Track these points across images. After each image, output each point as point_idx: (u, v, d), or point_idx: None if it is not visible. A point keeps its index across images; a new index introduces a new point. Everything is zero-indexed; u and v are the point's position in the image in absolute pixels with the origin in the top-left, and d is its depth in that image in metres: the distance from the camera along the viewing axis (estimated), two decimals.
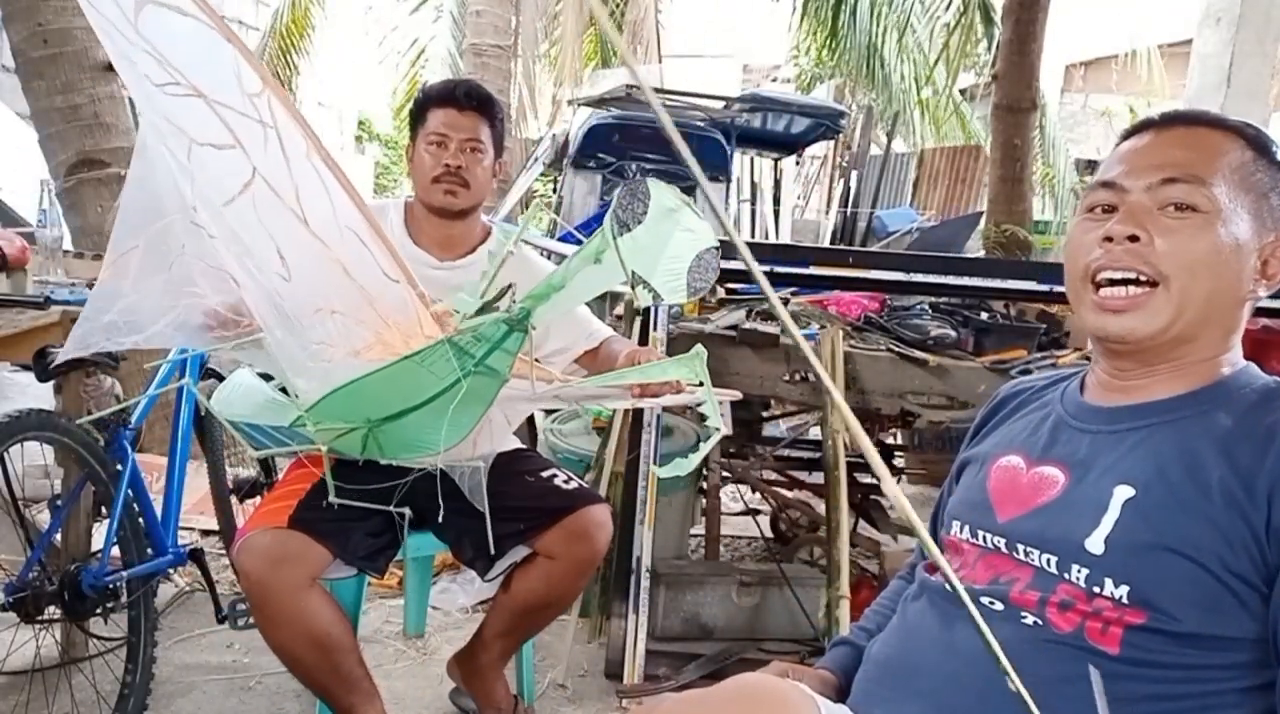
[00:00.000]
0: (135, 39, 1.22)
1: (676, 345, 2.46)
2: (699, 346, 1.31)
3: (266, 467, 2.64)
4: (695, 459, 1.21)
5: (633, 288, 1.20)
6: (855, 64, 8.84)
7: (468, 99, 1.95)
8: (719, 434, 1.24)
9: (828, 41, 8.92)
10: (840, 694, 1.10)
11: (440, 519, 1.70)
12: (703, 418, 1.33)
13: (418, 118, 2.00)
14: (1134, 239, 0.93)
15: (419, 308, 1.38)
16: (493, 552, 1.80)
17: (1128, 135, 1.02)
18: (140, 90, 1.28)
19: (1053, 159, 9.72)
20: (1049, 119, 9.81)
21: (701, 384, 1.27)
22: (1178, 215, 0.93)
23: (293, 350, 1.42)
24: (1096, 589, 0.90)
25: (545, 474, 1.95)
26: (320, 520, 1.70)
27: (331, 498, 1.60)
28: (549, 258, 4.01)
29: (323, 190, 1.30)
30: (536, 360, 1.98)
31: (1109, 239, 0.94)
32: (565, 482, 1.93)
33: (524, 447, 2.15)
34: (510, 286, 1.31)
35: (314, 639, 1.71)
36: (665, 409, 2.31)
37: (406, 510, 1.70)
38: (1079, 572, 0.91)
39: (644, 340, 2.40)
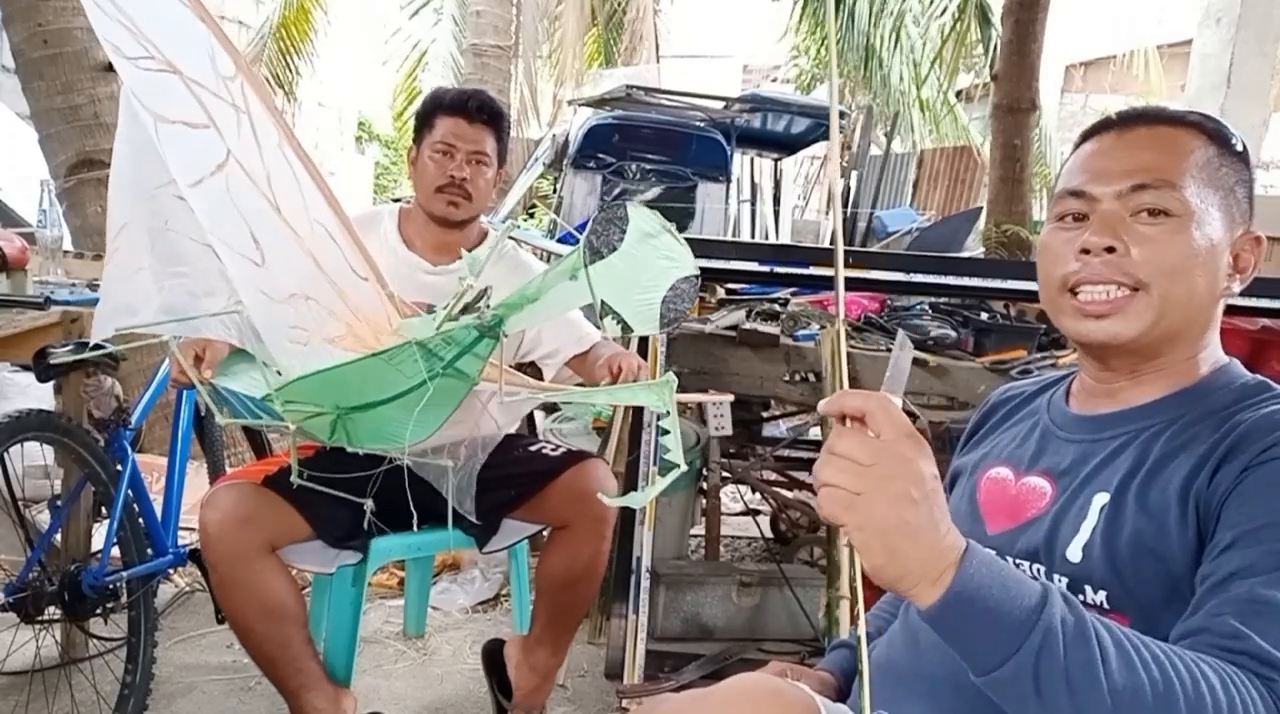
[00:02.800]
0: (110, 8, 1.21)
1: (676, 346, 2.46)
2: (670, 375, 1.27)
3: (261, 455, 2.63)
4: (652, 492, 1.18)
5: (601, 318, 1.18)
6: (854, 65, 8.83)
7: (479, 111, 1.95)
8: (677, 471, 1.19)
9: (825, 42, 8.91)
10: (839, 696, 1.10)
11: (417, 514, 1.71)
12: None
13: (425, 122, 1.99)
14: (1110, 250, 0.93)
15: (388, 306, 1.37)
16: (460, 516, 1.80)
17: (1087, 137, 1.01)
18: (115, 62, 1.27)
19: (1050, 159, 9.71)
20: (1045, 121, 9.80)
21: (668, 414, 1.22)
22: (1151, 221, 0.92)
23: (271, 328, 1.42)
24: (1080, 597, 0.90)
25: (533, 447, 1.97)
26: (300, 489, 1.68)
27: (294, 477, 1.60)
28: (546, 259, 4.00)
29: (293, 181, 1.29)
30: (530, 364, 1.99)
31: (1086, 251, 0.94)
32: (554, 450, 1.94)
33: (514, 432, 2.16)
34: (486, 290, 1.30)
35: (265, 606, 1.71)
36: None
37: (369, 502, 1.70)
38: (1060, 581, 0.92)
39: (644, 340, 2.40)
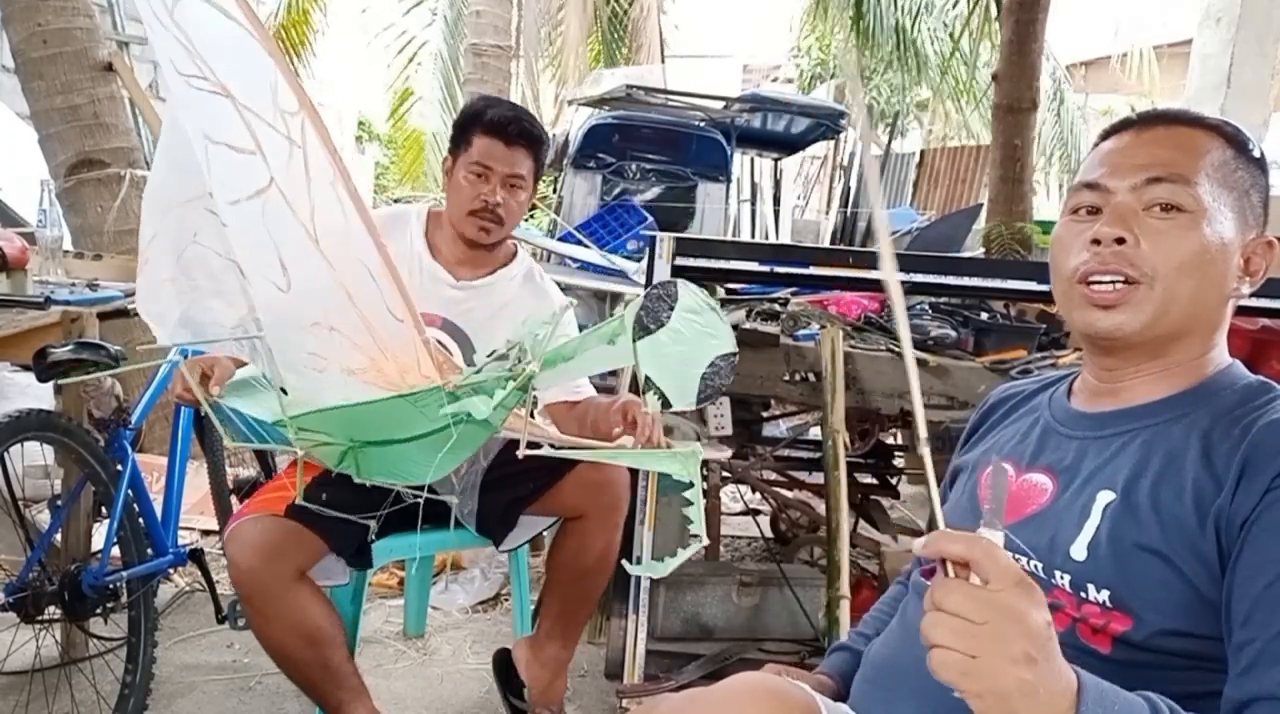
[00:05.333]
0: (169, 23, 1.21)
1: None
2: (696, 445, 1.28)
3: (266, 465, 2.64)
4: (673, 564, 1.19)
5: (642, 393, 1.20)
6: (886, 49, 8.72)
7: (519, 136, 1.92)
8: (698, 543, 1.20)
9: (855, 25, 8.80)
10: (837, 700, 1.10)
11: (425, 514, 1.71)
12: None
13: (463, 134, 1.94)
14: (1120, 241, 0.94)
15: (420, 349, 1.37)
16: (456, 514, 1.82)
17: (1107, 135, 1.03)
18: (166, 74, 1.27)
19: (1070, 153, 9.67)
20: (1067, 115, 9.77)
21: (692, 485, 1.23)
22: (1163, 216, 0.93)
23: (288, 350, 1.42)
24: (1082, 594, 0.91)
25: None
26: (316, 512, 1.68)
27: (299, 500, 1.60)
28: (546, 259, 4.00)
29: (341, 219, 1.27)
30: (530, 414, 1.99)
31: (1096, 242, 0.95)
32: None
33: None
34: (517, 346, 1.31)
35: (303, 633, 1.70)
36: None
37: (373, 523, 1.70)
38: (1062, 577, 0.92)
39: None
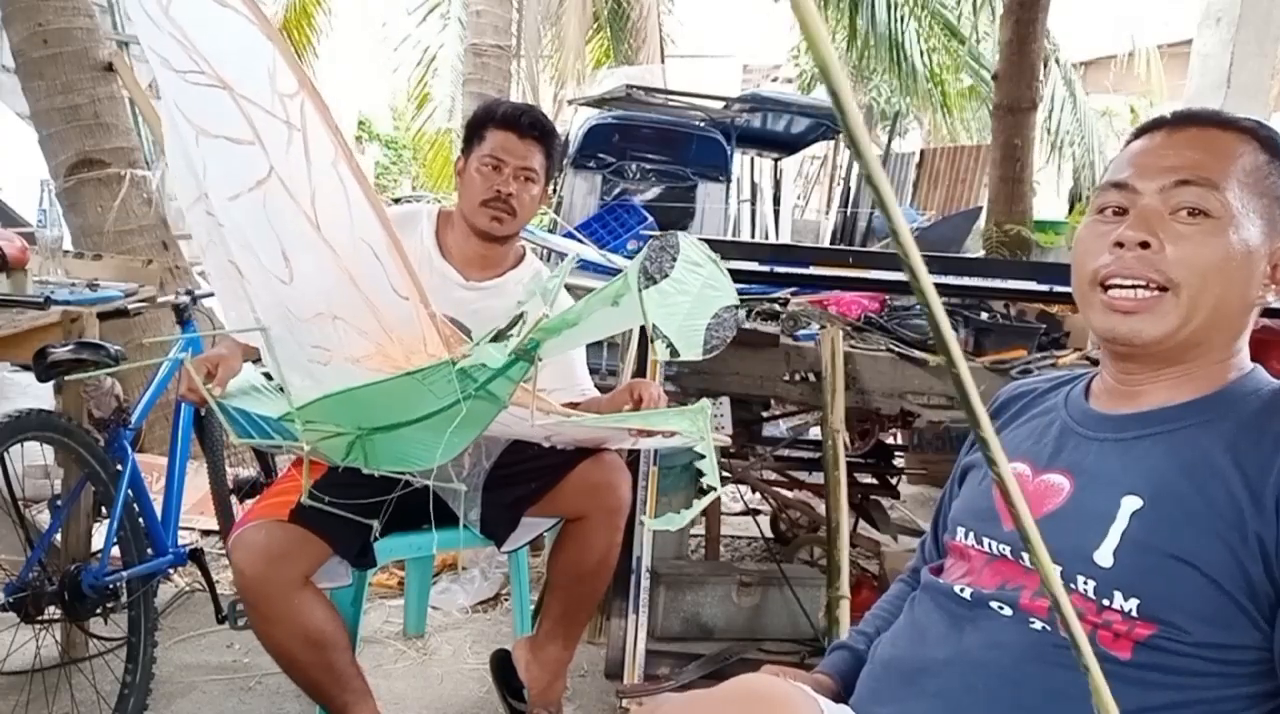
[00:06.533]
0: (163, 21, 1.21)
1: None
2: (704, 401, 1.31)
3: (266, 465, 2.64)
4: (689, 515, 1.21)
5: (651, 342, 1.21)
6: (879, 58, 8.72)
7: (530, 127, 1.94)
8: (715, 493, 1.23)
9: (849, 39, 8.78)
10: (836, 699, 1.09)
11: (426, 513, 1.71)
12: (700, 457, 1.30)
13: (475, 133, 1.98)
14: (1145, 245, 0.92)
15: (426, 326, 1.37)
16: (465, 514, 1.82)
17: (1139, 134, 1.01)
18: (160, 73, 1.27)
19: (1091, 144, 9.65)
20: (1081, 111, 9.76)
21: (703, 440, 1.26)
22: (1189, 221, 0.91)
23: (290, 347, 1.42)
24: (1106, 601, 0.89)
25: (547, 444, 1.96)
26: (321, 514, 1.69)
27: (305, 499, 1.60)
28: (547, 259, 4.00)
29: (343, 199, 1.28)
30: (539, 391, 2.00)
31: (1120, 244, 0.93)
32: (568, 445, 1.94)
33: None
34: (521, 315, 1.31)
35: (308, 637, 1.71)
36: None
37: (375, 523, 1.70)
38: (1085, 583, 0.90)
39: (643, 340, 2.40)
